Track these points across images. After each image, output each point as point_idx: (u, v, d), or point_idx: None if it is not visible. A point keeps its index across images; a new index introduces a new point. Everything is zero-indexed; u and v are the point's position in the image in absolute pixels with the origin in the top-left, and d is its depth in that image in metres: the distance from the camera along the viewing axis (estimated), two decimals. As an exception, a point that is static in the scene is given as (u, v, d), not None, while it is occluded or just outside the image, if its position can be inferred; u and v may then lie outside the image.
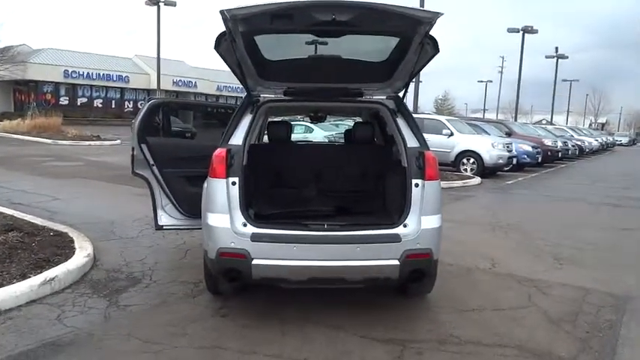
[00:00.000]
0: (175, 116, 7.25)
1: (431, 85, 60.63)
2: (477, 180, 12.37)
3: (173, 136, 5.28)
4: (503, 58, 59.07)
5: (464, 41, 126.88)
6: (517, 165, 14.98)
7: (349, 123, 11.83)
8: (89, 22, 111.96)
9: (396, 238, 3.27)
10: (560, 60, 38.08)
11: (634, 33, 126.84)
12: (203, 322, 3.44)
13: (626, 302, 4.14)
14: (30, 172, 10.64)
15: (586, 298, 4.18)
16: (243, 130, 3.55)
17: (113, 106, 39.52)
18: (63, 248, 4.56)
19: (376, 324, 3.47)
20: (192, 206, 4.26)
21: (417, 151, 3.48)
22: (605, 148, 33.36)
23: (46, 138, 18.97)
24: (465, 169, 13.45)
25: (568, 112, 54.50)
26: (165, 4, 27.28)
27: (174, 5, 27.63)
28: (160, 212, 4.58)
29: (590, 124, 65.49)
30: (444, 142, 13.23)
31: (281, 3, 2.86)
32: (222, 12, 2.83)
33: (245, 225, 3.26)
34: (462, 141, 13.72)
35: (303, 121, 15.91)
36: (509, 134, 17.38)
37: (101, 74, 37.89)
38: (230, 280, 3.46)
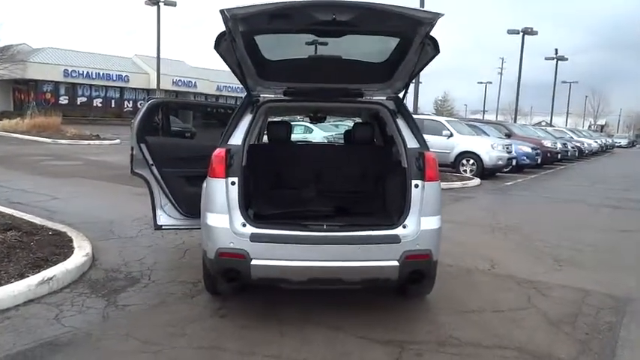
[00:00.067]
0: (175, 116, 7.25)
1: (430, 86, 60.82)
2: (477, 181, 12.38)
3: (172, 135, 5.27)
4: (502, 59, 59.18)
5: (464, 42, 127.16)
6: (516, 166, 14.99)
7: (349, 124, 11.82)
8: (89, 22, 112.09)
9: (396, 239, 3.26)
10: (559, 62, 38.11)
11: (633, 35, 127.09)
12: (202, 322, 3.43)
13: (626, 304, 4.13)
14: (29, 171, 10.62)
15: (586, 300, 4.17)
16: (242, 130, 3.54)
17: (113, 105, 39.50)
18: (62, 247, 4.54)
19: (375, 325, 3.46)
20: (191, 206, 4.25)
21: (417, 152, 3.47)
22: (604, 149, 33.39)
23: (46, 137, 18.97)
24: (465, 170, 13.46)
25: (567, 113, 54.50)
26: (165, 4, 27.26)
27: (175, 5, 27.62)
28: (159, 212, 4.57)
29: (590, 126, 65.54)
30: (444, 143, 13.23)
31: (281, 3, 2.85)
32: (222, 11, 2.82)
33: (244, 225, 3.25)
34: (462, 142, 13.72)
35: (302, 121, 15.91)
36: (508, 135, 17.38)
37: (101, 74, 37.88)
38: (229, 280, 3.45)
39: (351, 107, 4.76)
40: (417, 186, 3.38)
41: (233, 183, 3.31)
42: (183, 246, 5.24)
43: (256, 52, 3.46)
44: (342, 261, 3.22)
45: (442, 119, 15.53)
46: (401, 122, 3.68)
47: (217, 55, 3.33)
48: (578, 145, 24.42)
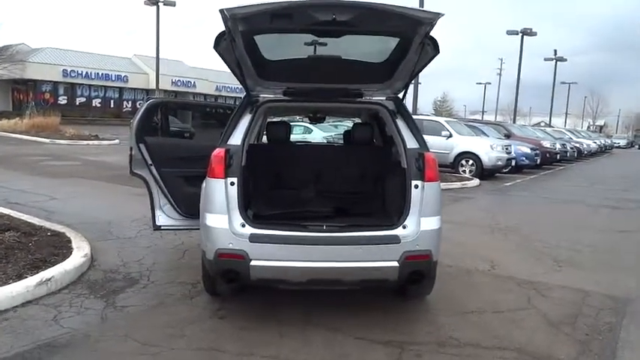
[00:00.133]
0: (174, 116, 7.24)
1: (430, 87, 60.89)
2: (476, 181, 12.38)
3: (171, 136, 5.26)
4: (502, 60, 59.32)
5: (463, 43, 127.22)
6: (516, 167, 14.99)
7: (348, 124, 11.81)
8: (88, 22, 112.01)
9: (396, 240, 3.25)
10: (558, 62, 38.15)
11: (633, 36, 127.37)
12: (201, 323, 3.42)
13: (626, 305, 4.13)
14: (27, 171, 10.60)
15: (585, 301, 4.17)
16: (242, 130, 3.53)
17: (112, 105, 39.46)
18: (60, 248, 4.53)
19: (375, 326, 3.45)
20: (190, 206, 4.23)
21: (416, 152, 3.46)
22: (603, 150, 33.43)
23: (44, 137, 18.93)
24: (464, 171, 13.46)
25: (566, 114, 54.56)
26: (164, 4, 27.23)
27: (174, 5, 27.59)
28: (158, 212, 4.55)
29: (589, 127, 65.57)
30: (443, 144, 13.23)
31: (281, 2, 2.84)
32: (221, 11, 2.81)
33: (243, 226, 3.24)
34: (461, 142, 13.72)
35: (302, 121, 15.90)
36: (507, 136, 17.39)
37: (100, 74, 37.83)
38: (228, 281, 3.44)
39: (351, 107, 4.75)
40: (416, 186, 3.37)
41: (232, 183, 3.30)
42: (183, 247, 5.22)
43: (256, 52, 3.45)
44: (341, 262, 3.21)
45: (441, 120, 15.53)
46: (400, 122, 3.67)
47: (217, 54, 3.32)
48: (577, 145, 24.44)
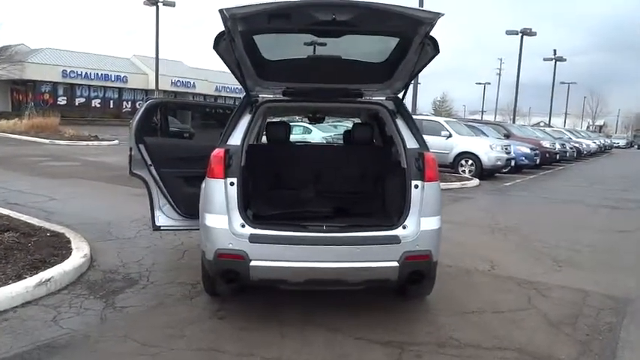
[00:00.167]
0: (173, 116, 7.22)
1: (429, 87, 60.84)
2: (476, 182, 12.37)
3: (171, 136, 5.25)
4: (501, 60, 59.32)
5: (462, 43, 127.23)
6: (515, 167, 14.99)
7: (348, 124, 11.81)
8: (88, 22, 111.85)
9: (396, 240, 3.24)
10: (558, 62, 38.15)
11: (632, 36, 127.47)
12: (201, 324, 3.41)
13: (626, 305, 4.13)
14: (27, 172, 10.59)
15: (586, 301, 4.16)
16: (241, 130, 3.52)
17: (111, 106, 39.42)
18: (59, 249, 4.52)
19: (375, 326, 3.44)
20: (190, 207, 4.23)
21: (416, 152, 3.46)
22: (602, 150, 33.44)
23: (44, 138, 18.92)
24: (464, 171, 13.46)
25: (566, 114, 54.56)
26: (164, 5, 27.22)
27: (173, 6, 27.59)
28: (157, 213, 4.55)
29: (588, 127, 65.55)
30: (443, 144, 13.22)
31: (280, 2, 2.84)
32: (221, 11, 2.80)
33: (243, 226, 3.23)
34: (461, 143, 13.72)
35: (301, 122, 15.88)
36: (507, 136, 17.40)
37: (99, 74, 37.81)
38: (228, 281, 3.43)
39: (351, 107, 4.75)
40: (416, 186, 3.36)
41: (232, 183, 3.29)
42: (182, 247, 5.22)
43: (255, 52, 3.45)
44: (341, 262, 3.21)
45: (441, 120, 15.53)
46: (400, 122, 3.66)
47: (216, 54, 3.31)
48: (577, 145, 24.45)
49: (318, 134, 16.79)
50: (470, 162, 13.49)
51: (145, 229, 5.77)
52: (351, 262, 3.21)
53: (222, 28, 3.03)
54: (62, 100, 36.31)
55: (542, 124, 39.20)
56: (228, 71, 3.66)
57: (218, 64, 4.70)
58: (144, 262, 4.66)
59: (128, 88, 39.95)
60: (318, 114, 5.57)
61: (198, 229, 3.70)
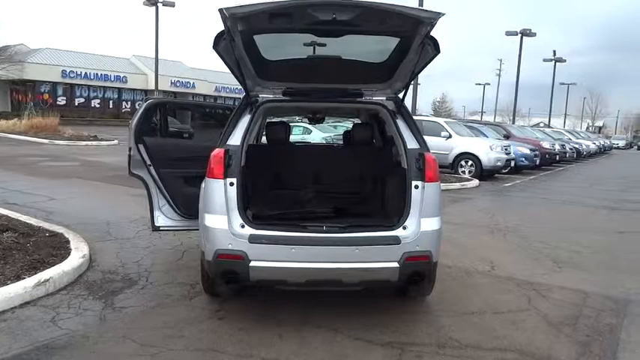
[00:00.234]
0: (173, 116, 7.21)
1: (429, 88, 60.90)
2: (475, 182, 12.37)
3: (170, 136, 5.24)
4: (501, 61, 59.33)
5: (462, 43, 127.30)
6: (515, 167, 14.99)
7: (347, 125, 11.80)
8: (87, 22, 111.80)
9: (396, 241, 3.23)
10: (557, 63, 38.16)
11: (632, 37, 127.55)
12: (200, 324, 3.40)
13: (626, 306, 4.12)
14: (26, 172, 10.57)
15: (586, 302, 4.15)
16: (241, 130, 3.51)
17: (111, 106, 39.42)
18: (58, 249, 4.51)
19: (375, 327, 3.43)
20: (189, 207, 4.21)
21: (417, 153, 3.45)
22: (602, 151, 33.46)
23: (43, 138, 18.90)
24: (463, 172, 13.46)
25: (565, 115, 54.59)
26: (163, 5, 27.17)
27: (173, 6, 27.54)
28: (156, 213, 4.54)
29: (588, 127, 65.60)
30: (442, 145, 13.22)
31: (280, 2, 2.83)
32: (221, 10, 2.79)
33: (243, 226, 3.22)
34: (460, 143, 13.73)
35: (301, 122, 15.86)
36: (507, 137, 17.40)
37: (99, 74, 37.81)
38: (227, 282, 3.42)
39: (351, 108, 4.74)
40: (416, 187, 3.35)
41: (232, 184, 3.28)
42: (181, 247, 5.20)
43: (255, 52, 3.44)
44: (341, 262, 3.20)
45: (441, 120, 15.52)
46: (401, 123, 3.65)
47: (216, 54, 3.30)
48: (577, 146, 24.45)
49: (317, 135, 16.76)
50: (470, 163, 13.50)
51: (144, 229, 5.76)
52: (350, 263, 3.20)
53: (222, 28, 3.02)
54: (61, 100, 36.31)
55: (541, 124, 39.16)
56: (228, 71, 3.65)
57: (218, 64, 4.69)
58: (143, 262, 4.65)
59: (127, 89, 39.95)
60: (318, 114, 5.56)
61: (197, 230, 3.69)
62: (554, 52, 38.08)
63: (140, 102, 5.41)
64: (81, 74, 36.83)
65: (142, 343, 3.08)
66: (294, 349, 3.09)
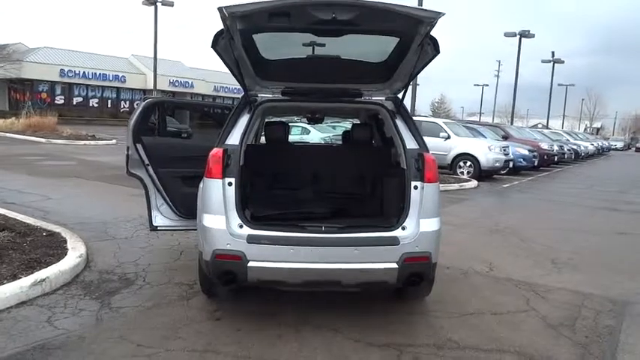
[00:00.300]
0: (171, 116, 7.19)
1: (427, 88, 60.88)
2: (474, 183, 12.37)
3: (169, 136, 5.22)
4: (499, 62, 59.44)
5: (461, 44, 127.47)
6: (513, 168, 14.99)
7: (346, 125, 11.79)
8: (86, 22, 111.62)
9: (395, 241, 3.22)
10: (556, 64, 38.19)
11: (630, 38, 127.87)
12: (197, 325, 3.38)
13: (625, 307, 4.11)
14: (23, 171, 10.53)
15: (585, 303, 4.15)
16: (240, 130, 3.49)
17: (109, 105, 39.38)
18: (55, 249, 4.48)
19: (373, 328, 3.42)
20: (187, 207, 4.19)
21: (416, 153, 3.44)
22: (600, 152, 33.52)
23: (41, 137, 18.84)
24: (462, 172, 13.45)
25: (564, 116, 54.68)
26: (162, 4, 27.13)
27: (172, 5, 27.51)
28: (154, 213, 4.52)
29: (586, 129, 65.71)
30: (441, 145, 13.22)
31: (280, 1, 2.81)
32: (220, 9, 2.77)
33: (241, 226, 3.20)
34: (459, 144, 13.73)
35: (299, 122, 15.83)
36: (505, 138, 17.40)
37: (97, 74, 37.76)
38: (225, 282, 3.40)
39: (350, 107, 4.72)
40: (416, 187, 3.34)
41: (230, 183, 3.26)
42: (179, 247, 5.18)
43: (254, 51, 3.42)
44: (340, 263, 3.18)
45: (439, 121, 15.52)
46: (400, 123, 3.64)
47: (215, 53, 3.28)
48: (575, 147, 24.49)
49: (316, 135, 16.74)
50: (468, 163, 13.50)
51: (141, 229, 5.73)
52: (349, 264, 3.18)
53: (221, 27, 3.00)
54: (60, 100, 36.25)
55: (539, 125, 39.24)
56: (227, 71, 3.63)
57: (217, 64, 4.67)
58: (140, 262, 4.63)
59: (126, 88, 39.91)
60: (317, 114, 5.54)
61: (195, 230, 3.67)
62: (553, 53, 38.14)
63: (139, 102, 5.37)
64: (79, 73, 36.77)
65: (139, 343, 3.06)
66: (293, 351, 3.07)
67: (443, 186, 10.55)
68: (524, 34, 28.59)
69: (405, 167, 3.44)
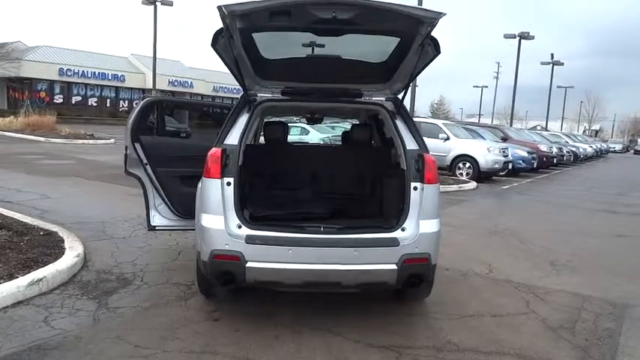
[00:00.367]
0: (170, 115, 7.16)
1: (427, 90, 60.71)
2: (473, 184, 12.36)
3: (167, 135, 5.20)
4: (499, 63, 59.48)
5: (460, 46, 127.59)
6: (512, 170, 14.99)
7: (346, 126, 11.76)
8: (85, 21, 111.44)
9: (394, 242, 3.20)
10: (555, 66, 38.22)
11: (628, 41, 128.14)
12: (195, 325, 3.36)
13: (624, 310, 4.10)
14: (21, 170, 10.49)
15: (584, 306, 4.13)
16: (239, 129, 3.47)
17: (108, 105, 39.29)
18: (52, 248, 4.46)
19: (372, 329, 3.40)
20: (185, 207, 4.17)
21: (416, 154, 3.42)
22: (599, 154, 33.55)
23: (40, 136, 18.79)
24: (461, 174, 13.44)
25: (562, 118, 54.74)
26: (162, 4, 27.07)
27: (171, 5, 27.48)
28: (152, 212, 4.49)
29: (584, 131, 65.82)
30: (440, 146, 13.20)
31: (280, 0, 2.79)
32: (219, 8, 2.75)
33: (240, 227, 3.18)
34: (458, 145, 13.71)
35: (298, 122, 15.80)
36: (505, 139, 17.40)
37: (96, 73, 37.68)
38: (223, 282, 3.38)
39: (350, 108, 4.71)
40: (415, 188, 3.32)
41: (229, 183, 3.24)
42: (177, 247, 5.16)
43: (254, 51, 3.40)
44: (339, 264, 3.16)
45: (439, 122, 15.51)
46: (400, 123, 3.62)
47: (214, 52, 3.26)
48: (574, 149, 24.50)
49: (315, 135, 16.70)
50: (467, 165, 13.48)
51: (139, 228, 5.71)
52: (348, 265, 3.16)
53: (221, 26, 2.98)
54: (59, 99, 36.16)
55: (539, 127, 39.27)
56: (227, 71, 3.61)
57: (216, 64, 4.65)
58: (138, 262, 4.60)
59: (125, 87, 39.84)
60: (317, 114, 5.52)
61: (193, 230, 3.65)
62: (552, 55, 38.16)
63: (138, 101, 5.35)
64: (78, 72, 36.69)
65: (136, 344, 3.03)
66: (292, 352, 3.05)
67: (442, 187, 10.51)
68: (524, 36, 28.61)
69: (405, 168, 3.42)
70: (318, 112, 5.25)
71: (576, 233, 7.43)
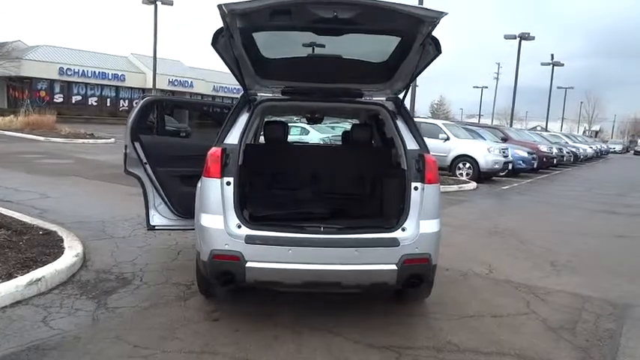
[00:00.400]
0: (170, 115, 7.16)
1: (426, 90, 60.70)
2: (473, 185, 12.35)
3: (167, 134, 5.19)
4: (499, 64, 59.49)
5: (460, 46, 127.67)
6: (512, 170, 14.98)
7: (345, 126, 11.75)
8: (86, 20, 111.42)
9: (394, 243, 3.19)
10: (555, 67, 38.21)
11: (628, 42, 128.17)
12: (194, 325, 3.34)
13: (625, 310, 4.09)
14: (21, 169, 10.48)
15: (585, 306, 4.12)
16: (239, 129, 3.46)
17: (108, 104, 39.27)
18: (52, 247, 4.44)
19: (372, 330, 3.39)
20: (185, 206, 4.16)
21: (416, 154, 3.41)
22: (599, 155, 33.54)
23: (39, 135, 18.77)
24: (461, 174, 13.43)
25: (562, 119, 54.73)
26: (162, 3, 27.07)
27: (172, 4, 27.48)
28: (152, 212, 4.48)
29: (584, 132, 65.83)
30: (440, 147, 13.19)
31: None
32: (220, 7, 2.74)
33: (239, 226, 3.17)
34: (458, 145, 13.70)
35: (298, 122, 15.78)
36: (505, 140, 17.39)
37: (96, 72, 37.67)
38: (223, 282, 3.37)
39: (350, 108, 4.69)
40: (416, 188, 3.31)
41: (228, 183, 3.23)
42: (177, 247, 5.15)
43: (254, 50, 3.39)
44: (339, 264, 3.15)
45: (439, 122, 15.50)
46: (400, 123, 3.61)
47: (214, 52, 3.25)
48: (574, 150, 24.49)
49: (315, 135, 16.68)
50: (467, 165, 13.47)
51: (139, 228, 5.70)
52: (348, 265, 3.15)
53: (221, 25, 2.97)
54: (59, 98, 36.13)
55: (539, 128, 39.27)
56: (227, 71, 3.60)
57: (217, 64, 4.64)
58: (137, 261, 4.59)
59: (125, 87, 39.82)
60: (317, 114, 5.51)
61: (193, 230, 3.64)
62: (552, 55, 38.18)
63: (137, 100, 5.34)
64: (78, 72, 36.68)
65: (135, 344, 3.02)
66: (292, 352, 3.04)
67: (442, 187, 10.49)
68: (524, 37, 28.61)
69: (406, 168, 3.41)
70: (318, 111, 5.24)
71: (576, 234, 7.42)
